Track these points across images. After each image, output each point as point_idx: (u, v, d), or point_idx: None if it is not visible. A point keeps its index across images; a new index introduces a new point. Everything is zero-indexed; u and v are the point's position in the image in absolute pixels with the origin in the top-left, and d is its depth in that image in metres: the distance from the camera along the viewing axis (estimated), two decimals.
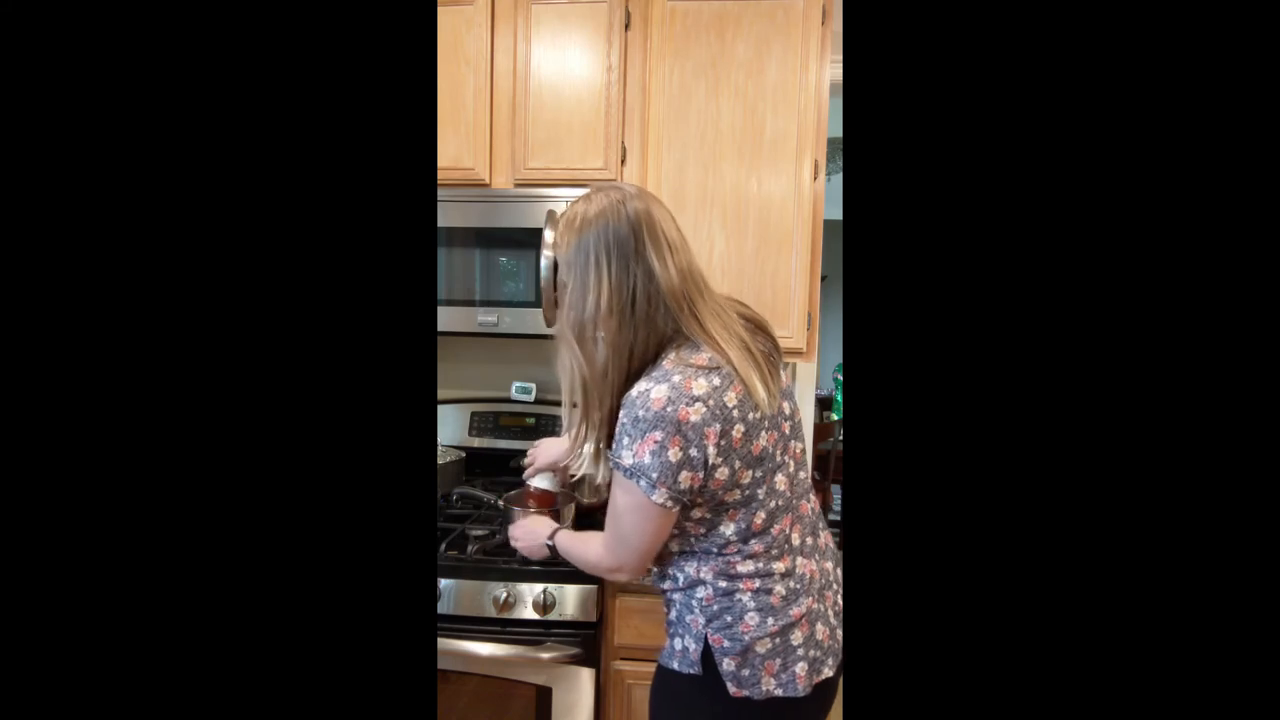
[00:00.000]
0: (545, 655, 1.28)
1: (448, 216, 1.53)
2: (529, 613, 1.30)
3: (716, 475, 0.84)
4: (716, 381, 0.84)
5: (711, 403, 0.83)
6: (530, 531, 1.15)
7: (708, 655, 0.90)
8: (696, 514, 0.88)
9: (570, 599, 1.30)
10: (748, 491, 0.87)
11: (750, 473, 0.87)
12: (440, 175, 1.58)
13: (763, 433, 0.87)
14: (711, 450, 0.83)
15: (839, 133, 3.18)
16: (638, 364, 0.88)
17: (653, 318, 0.87)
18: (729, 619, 0.89)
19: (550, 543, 1.10)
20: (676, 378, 0.83)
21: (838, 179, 3.53)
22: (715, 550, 0.90)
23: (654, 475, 0.83)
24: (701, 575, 0.91)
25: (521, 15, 1.56)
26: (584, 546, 1.03)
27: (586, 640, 1.29)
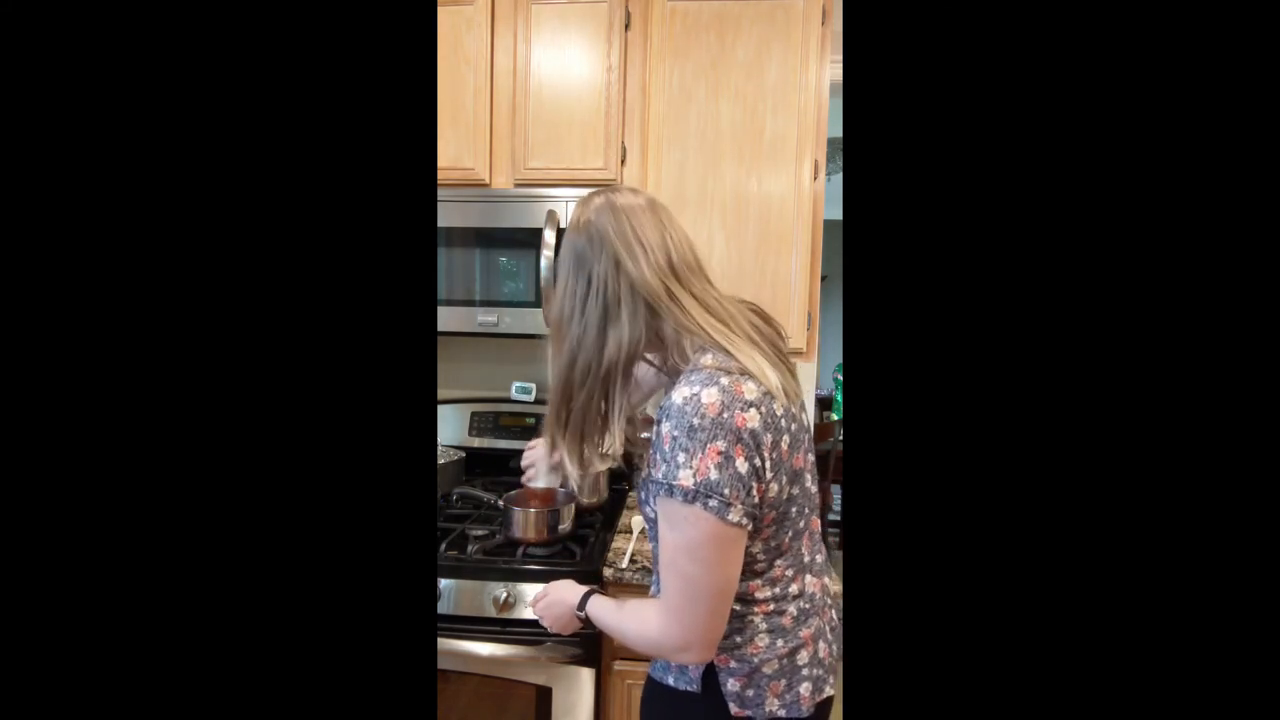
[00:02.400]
0: (545, 655, 1.28)
1: (448, 216, 1.53)
2: (529, 613, 1.30)
3: (769, 491, 0.78)
4: (764, 388, 0.78)
5: (764, 409, 0.77)
6: (556, 603, 1.01)
7: (710, 674, 0.85)
8: None
9: None
10: (783, 509, 0.82)
11: (790, 489, 0.82)
12: (440, 175, 1.58)
13: (800, 446, 0.84)
14: (768, 462, 0.77)
15: (839, 133, 3.18)
16: (611, 369, 0.82)
17: (620, 319, 0.81)
18: (738, 640, 0.84)
19: (582, 614, 0.96)
20: (724, 380, 0.76)
21: (838, 179, 3.53)
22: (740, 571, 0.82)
23: (726, 492, 0.73)
24: None
25: (521, 15, 1.56)
26: (634, 618, 0.87)
27: (586, 640, 1.29)
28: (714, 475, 0.74)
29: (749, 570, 0.83)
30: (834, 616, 0.95)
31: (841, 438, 3.61)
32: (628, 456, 0.88)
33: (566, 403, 0.85)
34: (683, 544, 0.77)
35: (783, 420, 0.79)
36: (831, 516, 3.77)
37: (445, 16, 1.56)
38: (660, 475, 0.77)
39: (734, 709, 0.85)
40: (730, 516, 0.74)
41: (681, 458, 0.75)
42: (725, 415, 0.74)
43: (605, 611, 0.93)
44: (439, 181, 1.58)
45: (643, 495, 0.86)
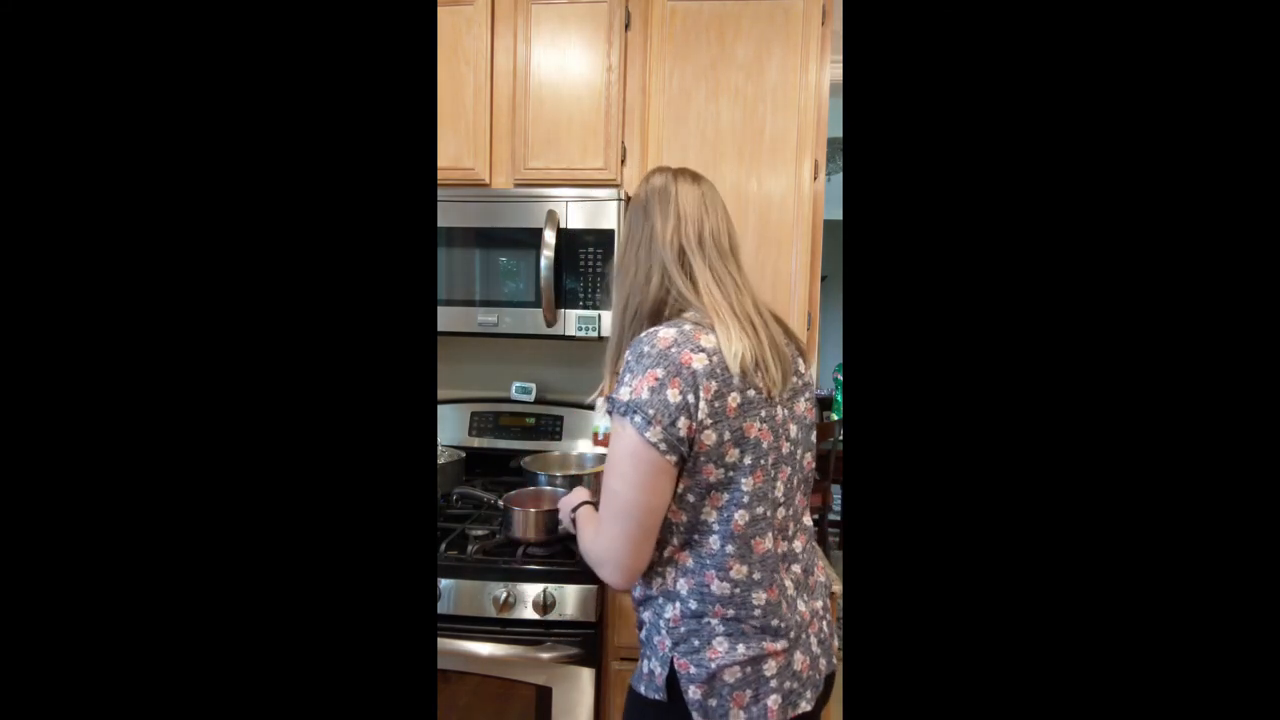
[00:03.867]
0: (545, 655, 1.28)
1: (448, 216, 1.53)
2: (529, 613, 1.30)
3: (704, 436, 0.82)
4: (719, 347, 0.85)
5: (715, 359, 0.82)
6: (566, 504, 1.09)
7: (673, 681, 0.85)
8: (680, 487, 0.85)
9: (570, 599, 1.30)
10: (730, 473, 0.84)
11: (736, 451, 0.84)
12: (440, 175, 1.59)
13: (758, 419, 0.85)
14: (704, 407, 0.81)
15: (839, 133, 3.18)
16: (631, 316, 0.93)
17: (649, 277, 0.91)
18: (696, 643, 0.85)
19: (573, 515, 1.04)
20: (688, 326, 0.85)
21: (838, 179, 3.54)
22: (694, 543, 0.86)
23: (650, 412, 0.80)
24: (676, 587, 0.87)
25: (521, 15, 1.56)
26: (585, 528, 0.96)
27: (586, 640, 1.29)
28: (645, 395, 0.81)
29: (702, 543, 0.85)
30: (824, 628, 0.94)
31: (841, 438, 3.61)
32: None
33: (616, 338, 0.94)
34: (612, 457, 0.85)
35: (735, 379, 0.84)
36: (831, 516, 3.76)
37: (445, 16, 1.56)
38: (613, 391, 0.85)
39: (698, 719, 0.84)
40: (648, 435, 0.80)
41: (626, 378, 0.84)
42: (673, 350, 0.82)
43: (582, 520, 1.00)
44: (439, 181, 1.58)
45: None
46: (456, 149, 1.59)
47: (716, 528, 0.85)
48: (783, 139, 1.52)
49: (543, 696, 1.32)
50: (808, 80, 1.50)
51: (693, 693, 0.84)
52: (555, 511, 1.39)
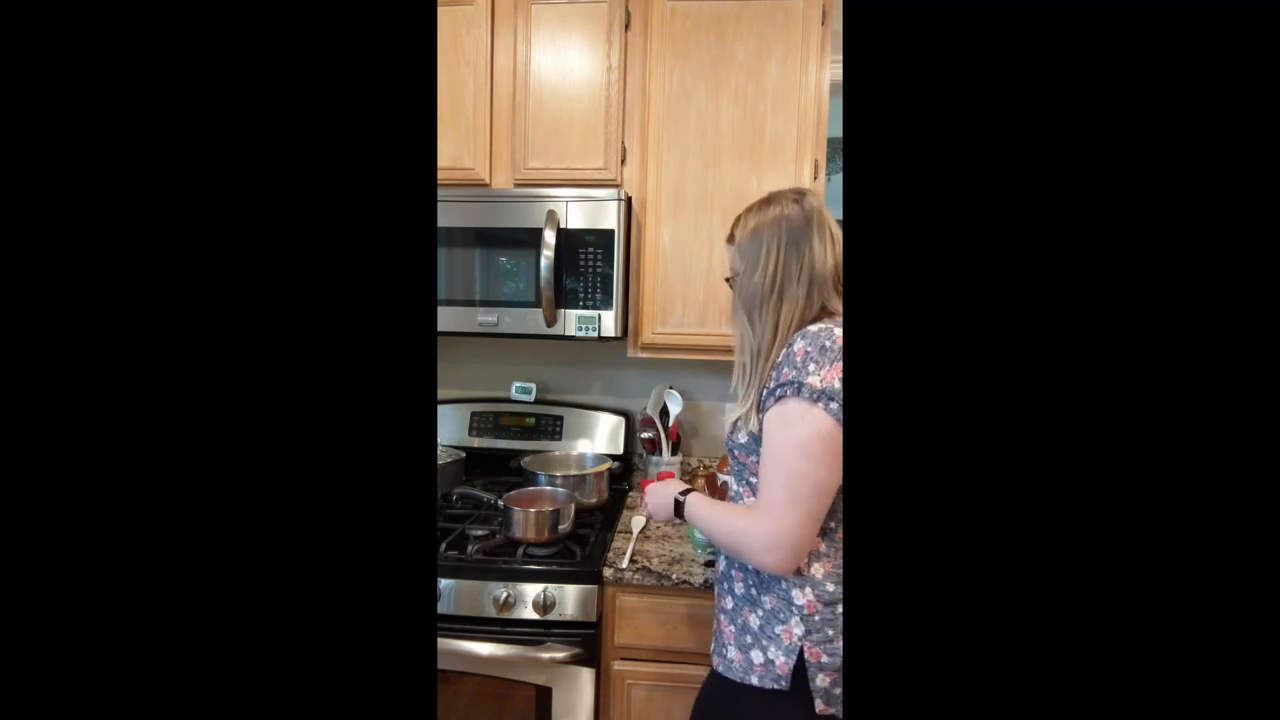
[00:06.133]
0: (545, 655, 1.28)
1: (448, 216, 1.53)
2: (529, 613, 1.30)
3: None
4: None
5: None
6: (660, 490, 1.11)
7: (800, 670, 0.87)
8: None
9: (570, 599, 1.30)
10: None
11: None
12: (440, 175, 1.59)
13: None
14: None
15: (839, 133, 3.17)
16: (789, 329, 0.94)
17: (810, 294, 0.94)
18: (830, 632, 0.87)
19: (681, 498, 1.05)
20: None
21: (838, 179, 3.53)
22: (829, 530, 0.88)
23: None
24: (811, 571, 0.88)
25: (521, 15, 1.56)
26: (727, 513, 0.95)
27: (586, 640, 1.29)
28: (837, 385, 0.84)
29: (837, 532, 0.89)
30: None
31: None
32: None
33: (768, 356, 0.94)
34: (796, 440, 0.85)
35: None
36: None
37: (445, 16, 1.56)
38: (788, 379, 0.86)
39: (819, 705, 0.86)
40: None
41: (811, 367, 0.85)
42: None
43: (701, 505, 1.02)
44: (439, 181, 1.58)
45: (738, 423, 0.96)
46: (456, 149, 1.59)
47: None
48: (783, 139, 1.52)
49: (543, 696, 1.32)
50: (808, 80, 1.50)
51: (820, 680, 0.86)
52: (556, 511, 1.39)
